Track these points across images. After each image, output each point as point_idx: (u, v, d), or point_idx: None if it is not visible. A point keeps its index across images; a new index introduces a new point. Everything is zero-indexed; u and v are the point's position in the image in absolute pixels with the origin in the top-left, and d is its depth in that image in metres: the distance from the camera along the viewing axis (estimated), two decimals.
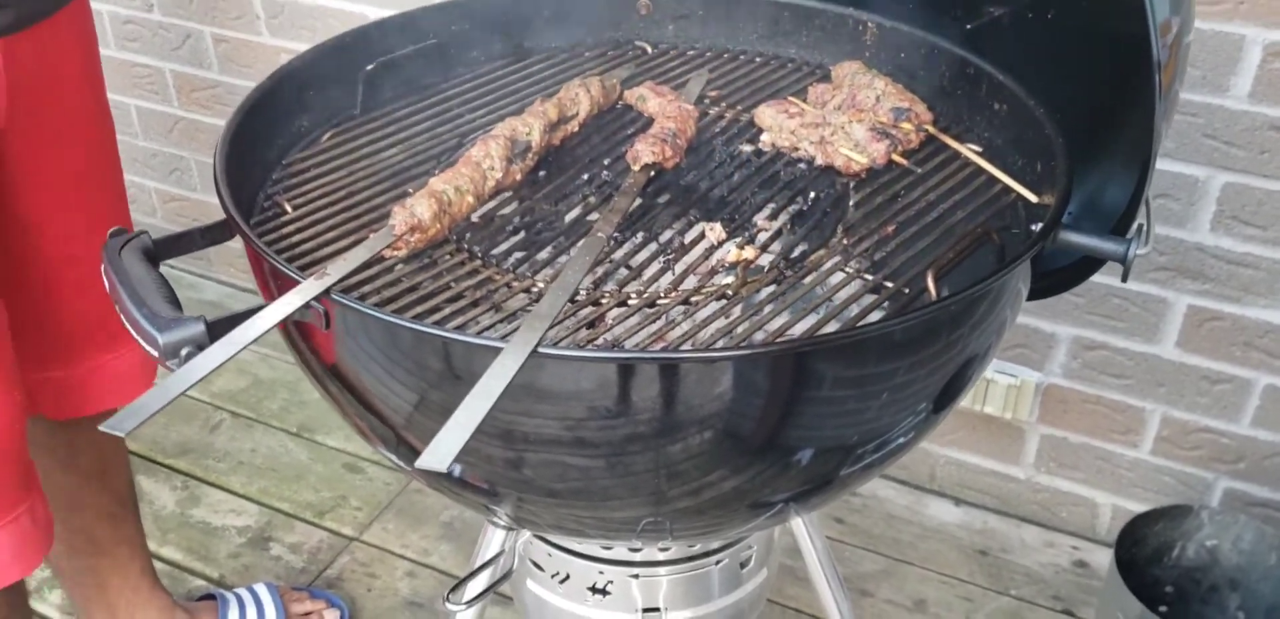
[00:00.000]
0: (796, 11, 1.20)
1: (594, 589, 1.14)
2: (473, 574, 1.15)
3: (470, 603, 1.14)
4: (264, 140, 1.01)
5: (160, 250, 0.86)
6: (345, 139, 1.07)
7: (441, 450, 0.64)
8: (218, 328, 0.77)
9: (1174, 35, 0.90)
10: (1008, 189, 1.00)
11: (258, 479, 2.02)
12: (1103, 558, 1.85)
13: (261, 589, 1.70)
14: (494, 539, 1.20)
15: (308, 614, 1.70)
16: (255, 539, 1.90)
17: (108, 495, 1.52)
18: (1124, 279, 0.93)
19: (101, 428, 0.68)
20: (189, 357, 0.75)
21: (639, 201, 0.98)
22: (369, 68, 1.09)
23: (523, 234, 0.96)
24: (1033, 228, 0.91)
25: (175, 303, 0.80)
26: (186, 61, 2.29)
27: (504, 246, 0.94)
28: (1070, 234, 0.89)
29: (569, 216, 0.99)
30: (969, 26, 1.10)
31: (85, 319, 1.32)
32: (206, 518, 1.93)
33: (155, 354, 0.77)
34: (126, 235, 0.86)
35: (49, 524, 1.27)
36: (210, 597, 1.71)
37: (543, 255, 0.93)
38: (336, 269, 0.80)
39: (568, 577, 1.14)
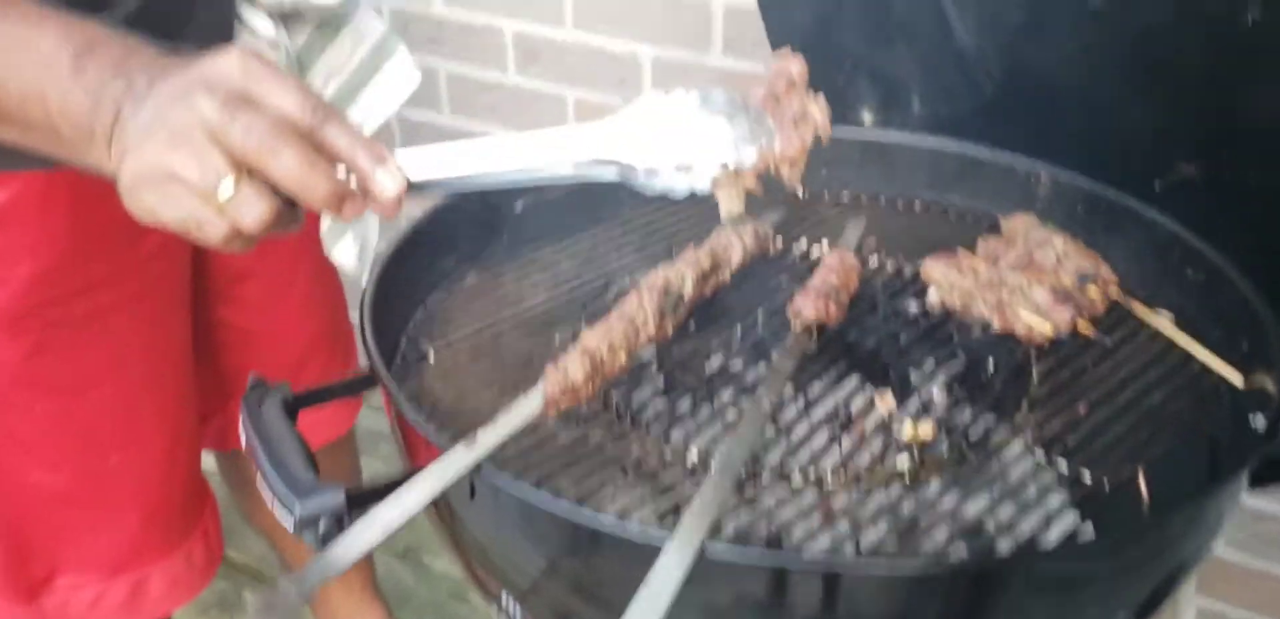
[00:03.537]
0: (961, 160, 1.12)
1: None
2: None
3: None
4: (410, 282, 0.97)
5: (298, 404, 0.82)
6: (490, 280, 1.02)
7: None
8: (357, 498, 0.72)
9: None
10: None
11: None
12: None
13: None
14: None
15: None
16: None
17: None
18: None
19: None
20: (326, 530, 0.71)
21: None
22: (516, 208, 1.04)
23: (673, 393, 0.89)
24: (1255, 424, 0.82)
25: (313, 465, 0.76)
26: None
27: (653, 409, 0.88)
28: None
29: (722, 376, 0.92)
30: (1158, 184, 1.01)
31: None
32: None
33: (290, 524, 0.72)
34: (265, 388, 0.81)
35: (211, 561, 1.28)
36: None
37: (696, 421, 0.87)
38: (486, 438, 0.74)
39: None
